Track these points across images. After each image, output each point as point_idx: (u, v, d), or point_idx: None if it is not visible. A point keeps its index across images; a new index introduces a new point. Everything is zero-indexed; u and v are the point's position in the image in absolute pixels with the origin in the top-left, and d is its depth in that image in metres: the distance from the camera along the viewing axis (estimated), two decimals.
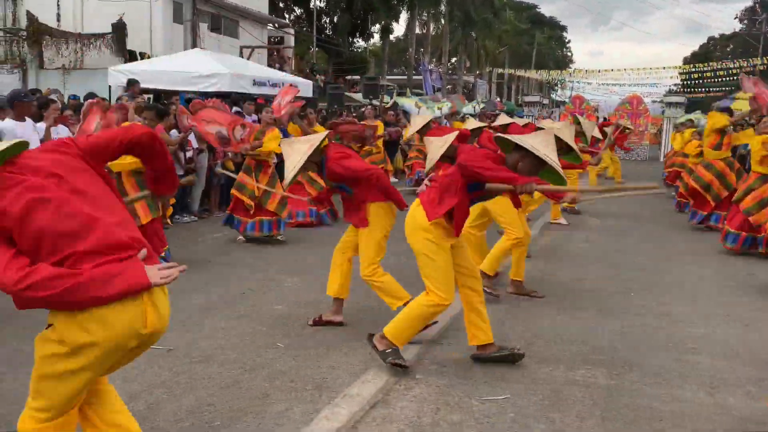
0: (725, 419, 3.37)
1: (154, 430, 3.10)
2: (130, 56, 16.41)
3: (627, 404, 3.51)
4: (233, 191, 7.54)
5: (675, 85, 49.16)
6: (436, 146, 4.93)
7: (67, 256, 1.99)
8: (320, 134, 4.71)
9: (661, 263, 7.04)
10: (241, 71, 12.67)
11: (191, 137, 8.34)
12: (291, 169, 4.33)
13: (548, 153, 3.59)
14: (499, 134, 3.95)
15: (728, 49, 54.77)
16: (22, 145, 2.13)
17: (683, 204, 10.47)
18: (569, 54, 72.87)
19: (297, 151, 4.39)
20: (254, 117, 9.75)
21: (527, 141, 3.66)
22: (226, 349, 4.17)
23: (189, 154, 8.72)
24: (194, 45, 15.91)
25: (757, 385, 3.81)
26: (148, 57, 16.07)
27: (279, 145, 5.76)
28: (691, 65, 40.57)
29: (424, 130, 6.63)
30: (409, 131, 7.15)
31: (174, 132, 8.06)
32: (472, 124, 6.89)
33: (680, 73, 42.26)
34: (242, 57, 18.96)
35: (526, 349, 4.28)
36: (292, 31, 27.96)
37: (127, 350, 2.13)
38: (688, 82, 40.87)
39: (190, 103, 10.52)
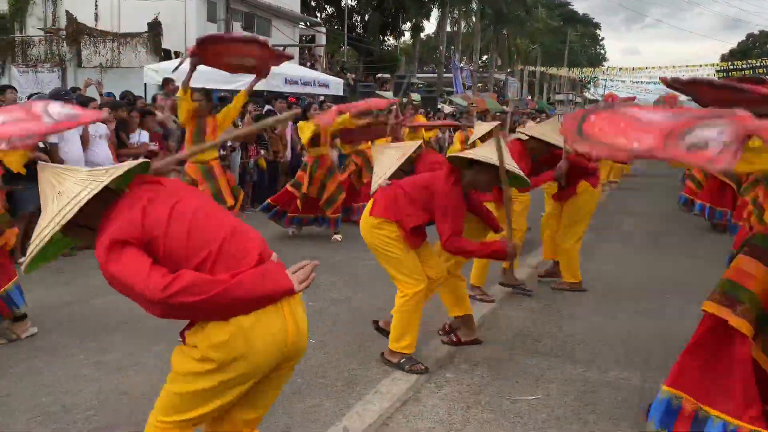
0: None
1: None
2: (165, 55, 16.68)
3: None
4: (288, 187, 7.61)
5: None
6: (391, 157, 4.45)
7: (204, 262, 1.91)
8: (414, 143, 4.69)
9: (698, 264, 6.90)
10: (273, 69, 12.77)
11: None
12: (380, 176, 4.28)
13: (502, 159, 3.45)
14: (452, 154, 3.86)
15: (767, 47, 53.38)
16: (147, 165, 2.13)
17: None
18: (602, 52, 71.81)
19: (389, 157, 4.40)
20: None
21: (479, 153, 3.63)
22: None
23: (222, 152, 8.83)
24: None
25: None
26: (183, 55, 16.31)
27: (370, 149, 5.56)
28: (729, 62, 39.64)
29: (487, 137, 6.45)
30: (472, 136, 6.92)
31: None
32: (481, 129, 6.74)
33: (717, 71, 41.34)
34: None
35: (560, 349, 4.26)
36: (323, 29, 28.11)
37: (269, 369, 2.01)
38: None
39: (223, 101, 10.68)
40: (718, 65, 39.92)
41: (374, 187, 4.26)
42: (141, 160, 2.11)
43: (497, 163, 3.43)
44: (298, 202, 7.49)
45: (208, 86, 11.95)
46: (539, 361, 4.07)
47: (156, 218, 1.92)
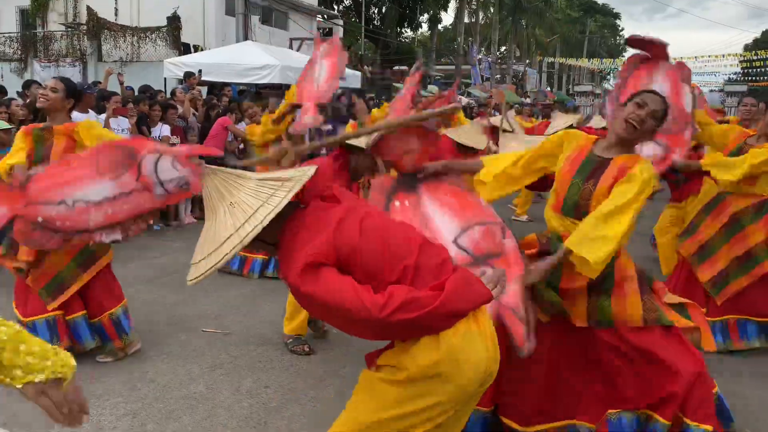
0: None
1: (214, 408, 3.23)
2: (184, 49, 16.82)
3: None
4: None
5: (735, 73, 47.32)
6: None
7: (403, 277, 1.77)
8: (539, 138, 4.51)
9: None
10: (290, 63, 12.84)
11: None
12: None
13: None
14: (332, 138, 3.39)
15: None
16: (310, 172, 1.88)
17: None
18: (622, 42, 70.89)
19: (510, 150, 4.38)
20: None
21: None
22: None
23: (241, 146, 8.90)
24: (246, 37, 16.15)
25: None
26: (201, 49, 16.44)
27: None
28: (753, 52, 38.94)
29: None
30: (552, 129, 6.73)
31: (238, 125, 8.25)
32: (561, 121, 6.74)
33: (741, 61, 40.64)
34: (292, 49, 19.20)
35: None
36: (340, 22, 28.09)
37: (470, 396, 1.81)
38: (749, 70, 39.30)
39: (241, 94, 10.76)
40: (741, 55, 39.25)
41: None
42: (312, 168, 1.89)
43: (363, 145, 3.11)
44: None
45: (224, 80, 12.11)
46: None
47: (349, 237, 1.79)
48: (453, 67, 37.65)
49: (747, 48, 50.78)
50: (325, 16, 26.46)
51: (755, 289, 3.97)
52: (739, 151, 3.98)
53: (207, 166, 1.96)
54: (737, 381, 3.68)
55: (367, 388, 1.87)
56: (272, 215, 1.74)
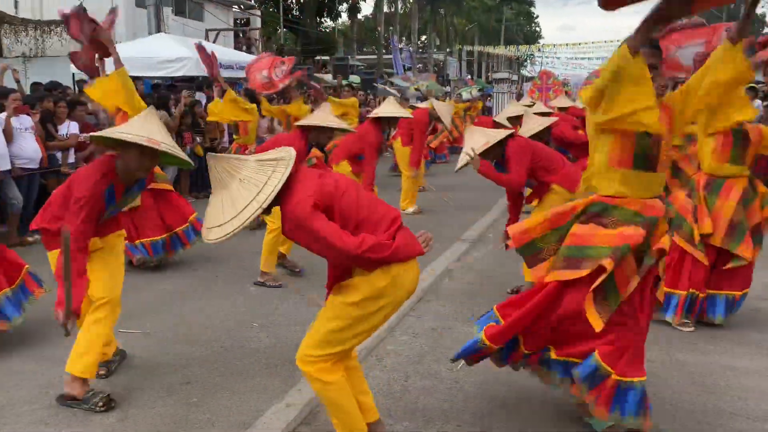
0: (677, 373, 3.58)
1: (131, 408, 3.18)
2: None
3: None
4: None
5: None
6: (486, 136, 4.67)
7: (362, 225, 2.44)
8: (504, 131, 4.70)
9: None
10: None
11: None
12: (468, 152, 4.50)
13: (147, 134, 2.93)
14: (95, 134, 3.11)
15: (692, 19, 55.40)
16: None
17: None
18: (537, 29, 73.05)
19: (476, 142, 4.51)
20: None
21: (123, 129, 3.03)
22: (202, 331, 4.26)
23: None
24: (158, 29, 15.62)
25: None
26: None
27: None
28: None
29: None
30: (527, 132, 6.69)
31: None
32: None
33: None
34: (208, 40, 18.73)
35: None
36: (258, 12, 27.59)
37: (398, 303, 2.56)
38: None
39: (155, 88, 10.45)
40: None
41: (460, 163, 4.61)
42: (292, 149, 2.52)
43: (138, 139, 2.88)
44: None
45: (136, 74, 11.69)
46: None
47: (329, 190, 2.45)
48: (375, 56, 37.75)
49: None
50: (242, 6, 25.92)
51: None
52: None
53: (211, 153, 2.51)
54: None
55: (330, 308, 2.56)
56: (280, 184, 2.36)
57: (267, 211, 2.40)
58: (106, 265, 3.33)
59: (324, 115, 4.80)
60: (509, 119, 7.33)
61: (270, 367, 3.67)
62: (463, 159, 4.59)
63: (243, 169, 2.43)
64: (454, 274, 5.59)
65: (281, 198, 2.41)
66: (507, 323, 2.89)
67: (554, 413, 3.15)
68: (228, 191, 2.40)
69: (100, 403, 3.15)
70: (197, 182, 9.39)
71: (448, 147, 13.73)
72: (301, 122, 4.78)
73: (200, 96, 10.65)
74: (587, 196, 2.89)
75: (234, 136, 7.46)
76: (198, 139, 9.42)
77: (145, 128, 2.96)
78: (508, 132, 4.67)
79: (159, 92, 9.99)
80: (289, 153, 2.48)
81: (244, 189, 2.38)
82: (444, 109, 8.19)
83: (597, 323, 2.72)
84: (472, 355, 3.04)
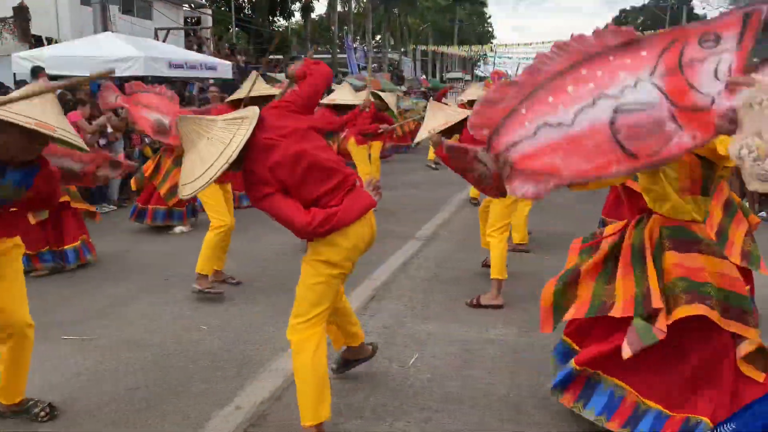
0: None
1: (76, 416, 3.10)
2: (36, 42, 15.57)
3: (538, 358, 3.76)
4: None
5: None
6: (445, 115, 4.68)
7: (319, 197, 2.69)
8: (465, 112, 4.61)
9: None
10: (155, 54, 12.30)
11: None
12: (428, 129, 4.48)
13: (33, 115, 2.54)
14: None
15: (639, 21, 57.08)
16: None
17: None
18: (490, 29, 74.03)
19: (437, 120, 4.50)
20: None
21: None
22: (148, 335, 4.17)
23: (103, 141, 8.46)
24: (105, 28, 15.22)
25: None
26: (55, 42, 15.30)
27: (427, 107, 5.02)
28: None
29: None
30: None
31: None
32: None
33: None
34: (157, 39, 18.36)
35: (446, 313, 4.50)
36: (209, 11, 27.16)
37: (358, 254, 2.83)
38: None
39: (100, 88, 10.17)
40: None
41: (419, 138, 4.69)
42: (255, 107, 2.74)
43: (15, 119, 2.49)
44: (132, 181, 7.51)
45: (86, 74, 11.39)
46: (427, 326, 4.30)
47: (279, 162, 2.65)
48: (329, 56, 37.62)
49: None
50: (193, 5, 25.48)
51: None
52: None
53: (181, 115, 2.68)
54: None
55: (305, 266, 2.83)
56: (244, 140, 2.54)
57: (236, 166, 2.61)
58: None
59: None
60: (469, 102, 7.51)
61: (219, 370, 3.63)
62: (422, 134, 4.62)
63: (211, 128, 2.61)
64: (407, 272, 5.63)
65: (246, 157, 2.62)
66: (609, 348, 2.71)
67: (503, 407, 3.21)
68: (197, 150, 2.60)
69: (42, 413, 3.05)
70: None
71: (392, 146, 13.74)
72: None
73: None
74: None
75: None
76: (147, 140, 9.22)
77: (36, 111, 2.55)
78: (467, 113, 4.70)
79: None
80: (253, 111, 2.68)
81: (212, 146, 2.56)
82: (390, 98, 8.20)
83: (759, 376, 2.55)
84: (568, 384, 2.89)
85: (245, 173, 2.68)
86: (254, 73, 4.86)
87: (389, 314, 4.55)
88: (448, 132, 4.49)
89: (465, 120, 4.52)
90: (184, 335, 4.17)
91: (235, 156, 2.51)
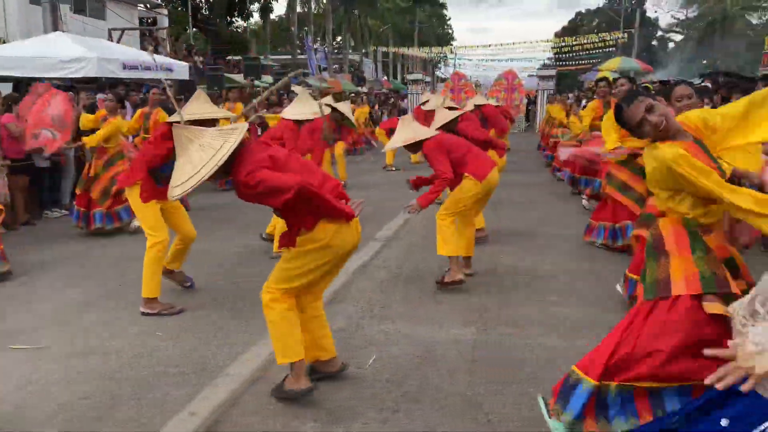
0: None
1: (23, 428, 3.01)
2: None
3: (495, 356, 3.81)
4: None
5: (548, 58, 51.85)
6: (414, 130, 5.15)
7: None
8: (429, 132, 5.13)
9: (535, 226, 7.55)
10: (108, 55, 12.00)
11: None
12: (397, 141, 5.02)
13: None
14: None
15: (594, 24, 58.29)
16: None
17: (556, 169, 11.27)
18: (450, 31, 74.57)
19: (406, 134, 4.99)
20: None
21: None
22: (104, 342, 4.08)
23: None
24: (55, 28, 14.80)
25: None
26: (3, 42, 14.82)
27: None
28: (561, 39, 42.87)
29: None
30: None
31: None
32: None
33: (552, 48, 44.59)
34: (111, 40, 17.94)
35: (402, 312, 4.51)
36: (165, 11, 26.67)
37: (341, 260, 3.20)
38: (560, 56, 43.24)
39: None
40: (552, 41, 43.08)
41: (388, 147, 5.24)
42: (245, 124, 3.01)
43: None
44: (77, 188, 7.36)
45: (37, 75, 11.07)
46: (386, 327, 4.31)
47: (278, 157, 3.00)
48: (289, 56, 37.38)
49: (557, 35, 55.75)
50: (148, 5, 25.00)
51: None
52: None
53: (176, 124, 3.06)
54: None
55: (288, 255, 3.12)
56: (234, 145, 2.83)
57: (224, 172, 2.90)
58: None
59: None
60: (427, 112, 7.67)
61: (175, 377, 3.57)
62: (394, 143, 5.07)
63: (203, 136, 2.91)
64: (367, 274, 5.63)
65: (233, 164, 2.88)
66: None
67: (461, 406, 3.24)
68: (188, 155, 2.88)
69: None
70: None
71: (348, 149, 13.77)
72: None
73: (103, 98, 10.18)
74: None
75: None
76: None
77: None
78: (432, 133, 5.09)
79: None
80: (242, 126, 2.97)
81: (203, 152, 2.85)
82: (345, 107, 8.16)
83: None
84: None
85: (235, 176, 2.92)
86: (199, 91, 4.75)
87: (348, 316, 4.54)
88: (413, 145, 5.01)
89: (426, 139, 5.03)
90: (139, 341, 4.09)
91: (223, 161, 2.80)
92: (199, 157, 2.85)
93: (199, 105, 4.56)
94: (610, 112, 4.91)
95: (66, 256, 6.28)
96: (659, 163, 2.55)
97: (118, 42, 17.57)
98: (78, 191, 7.34)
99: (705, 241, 2.62)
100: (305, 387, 3.17)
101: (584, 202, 8.52)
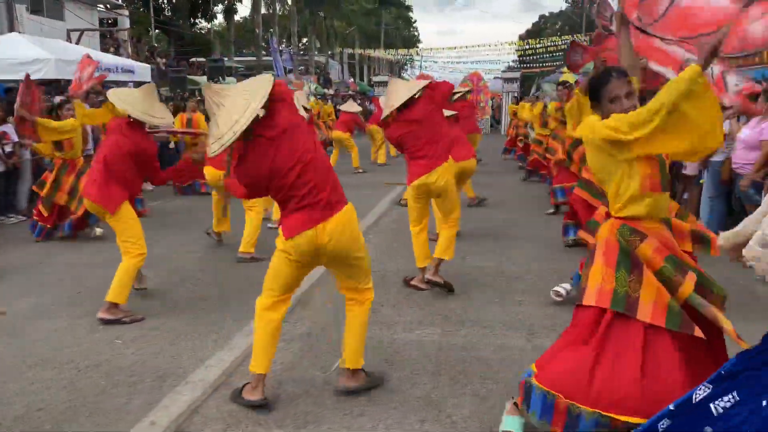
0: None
1: None
2: None
3: (460, 357, 3.83)
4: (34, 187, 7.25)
5: (513, 61, 52.44)
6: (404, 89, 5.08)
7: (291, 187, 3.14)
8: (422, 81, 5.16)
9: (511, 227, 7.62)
10: (67, 56, 11.73)
11: (8, 130, 7.69)
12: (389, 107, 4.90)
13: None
14: None
15: (557, 26, 59.22)
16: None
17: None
18: (416, 34, 74.90)
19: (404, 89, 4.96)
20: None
21: None
22: (61, 351, 3.97)
23: (9, 148, 8.01)
24: (11, 29, 14.41)
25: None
26: None
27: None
28: (525, 42, 43.43)
29: None
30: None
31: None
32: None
33: (516, 50, 45.12)
34: (70, 41, 17.54)
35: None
36: (126, 12, 26.17)
37: (311, 257, 3.19)
38: (524, 58, 43.80)
39: (9, 93, 9.63)
40: (516, 44, 43.60)
41: (385, 113, 4.98)
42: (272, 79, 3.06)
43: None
44: (41, 206, 7.07)
45: None
46: None
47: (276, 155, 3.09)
48: (254, 58, 37.05)
49: (521, 38, 56.51)
50: (108, 5, 24.52)
51: None
52: None
53: (206, 83, 3.17)
54: None
55: (276, 255, 3.23)
56: (262, 102, 2.93)
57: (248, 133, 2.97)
58: None
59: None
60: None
61: (134, 385, 3.49)
62: (386, 112, 4.98)
63: (227, 96, 3.01)
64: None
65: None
66: None
67: (424, 408, 3.24)
68: (224, 109, 2.94)
69: None
70: None
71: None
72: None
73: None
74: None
75: (56, 153, 7.08)
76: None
77: None
78: (425, 83, 5.09)
79: (13, 97, 9.20)
80: (269, 83, 3.02)
81: (235, 110, 2.91)
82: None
83: None
84: None
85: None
86: (152, 86, 4.66)
87: (313, 320, 4.51)
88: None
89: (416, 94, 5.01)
90: (97, 350, 3.99)
91: (254, 114, 2.88)
92: (236, 106, 2.94)
93: (150, 104, 4.47)
94: (574, 101, 4.87)
95: (23, 263, 6.10)
96: (590, 131, 2.61)
97: (77, 43, 17.20)
98: (42, 210, 7.05)
99: (636, 255, 2.62)
100: (256, 399, 3.20)
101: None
